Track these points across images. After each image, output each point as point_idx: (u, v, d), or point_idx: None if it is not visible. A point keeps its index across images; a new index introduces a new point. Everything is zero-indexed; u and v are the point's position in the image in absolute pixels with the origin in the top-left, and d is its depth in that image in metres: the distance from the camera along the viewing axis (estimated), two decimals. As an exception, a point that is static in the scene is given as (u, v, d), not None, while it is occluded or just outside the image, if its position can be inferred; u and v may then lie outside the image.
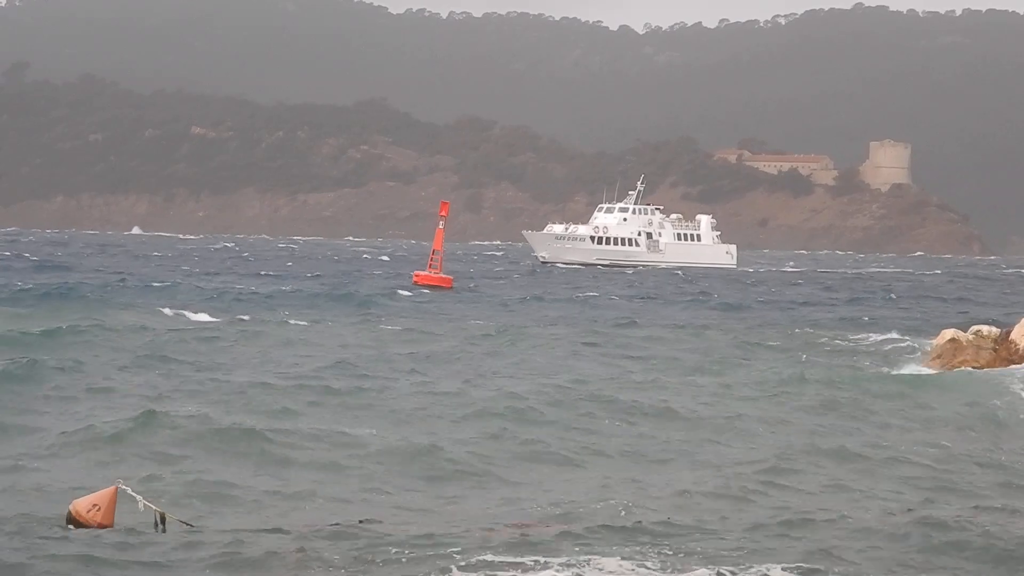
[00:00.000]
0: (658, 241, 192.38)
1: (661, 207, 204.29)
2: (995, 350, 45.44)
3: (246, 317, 64.75)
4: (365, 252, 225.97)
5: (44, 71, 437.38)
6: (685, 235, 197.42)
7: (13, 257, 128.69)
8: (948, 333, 47.24)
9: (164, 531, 21.28)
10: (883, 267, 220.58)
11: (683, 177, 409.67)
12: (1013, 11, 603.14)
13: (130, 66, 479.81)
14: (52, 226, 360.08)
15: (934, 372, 44.75)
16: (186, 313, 65.62)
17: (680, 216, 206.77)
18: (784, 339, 59.62)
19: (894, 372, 45.69)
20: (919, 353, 50.77)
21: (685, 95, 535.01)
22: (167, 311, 66.29)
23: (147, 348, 47.69)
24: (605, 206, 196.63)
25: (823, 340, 59.11)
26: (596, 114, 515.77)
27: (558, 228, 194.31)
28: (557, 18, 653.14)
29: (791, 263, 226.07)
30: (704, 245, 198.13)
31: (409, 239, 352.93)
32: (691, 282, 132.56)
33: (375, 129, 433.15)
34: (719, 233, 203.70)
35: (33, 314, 60.56)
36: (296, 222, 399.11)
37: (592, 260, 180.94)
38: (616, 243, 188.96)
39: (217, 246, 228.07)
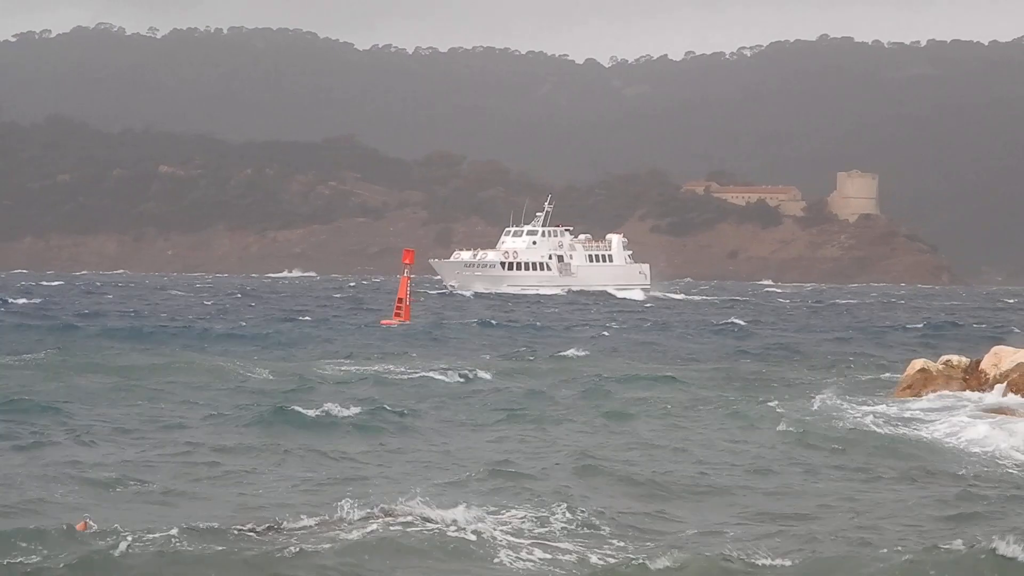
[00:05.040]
0: (570, 264, 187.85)
1: (571, 228, 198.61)
2: (965, 379, 45.40)
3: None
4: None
5: (12, 112, 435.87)
6: (597, 256, 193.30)
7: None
8: (918, 363, 46.93)
9: None
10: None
11: (652, 209, 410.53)
12: (977, 41, 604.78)
13: (98, 106, 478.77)
14: (20, 267, 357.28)
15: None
16: None
17: (590, 236, 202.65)
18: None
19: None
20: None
21: (654, 128, 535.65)
22: None
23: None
24: (512, 229, 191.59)
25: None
26: (565, 147, 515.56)
27: (466, 255, 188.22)
28: (523, 52, 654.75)
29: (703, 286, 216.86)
30: (616, 266, 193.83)
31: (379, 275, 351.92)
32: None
33: (344, 165, 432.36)
34: (631, 252, 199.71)
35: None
36: (267, 259, 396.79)
37: (503, 288, 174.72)
38: (526, 268, 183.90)
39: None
